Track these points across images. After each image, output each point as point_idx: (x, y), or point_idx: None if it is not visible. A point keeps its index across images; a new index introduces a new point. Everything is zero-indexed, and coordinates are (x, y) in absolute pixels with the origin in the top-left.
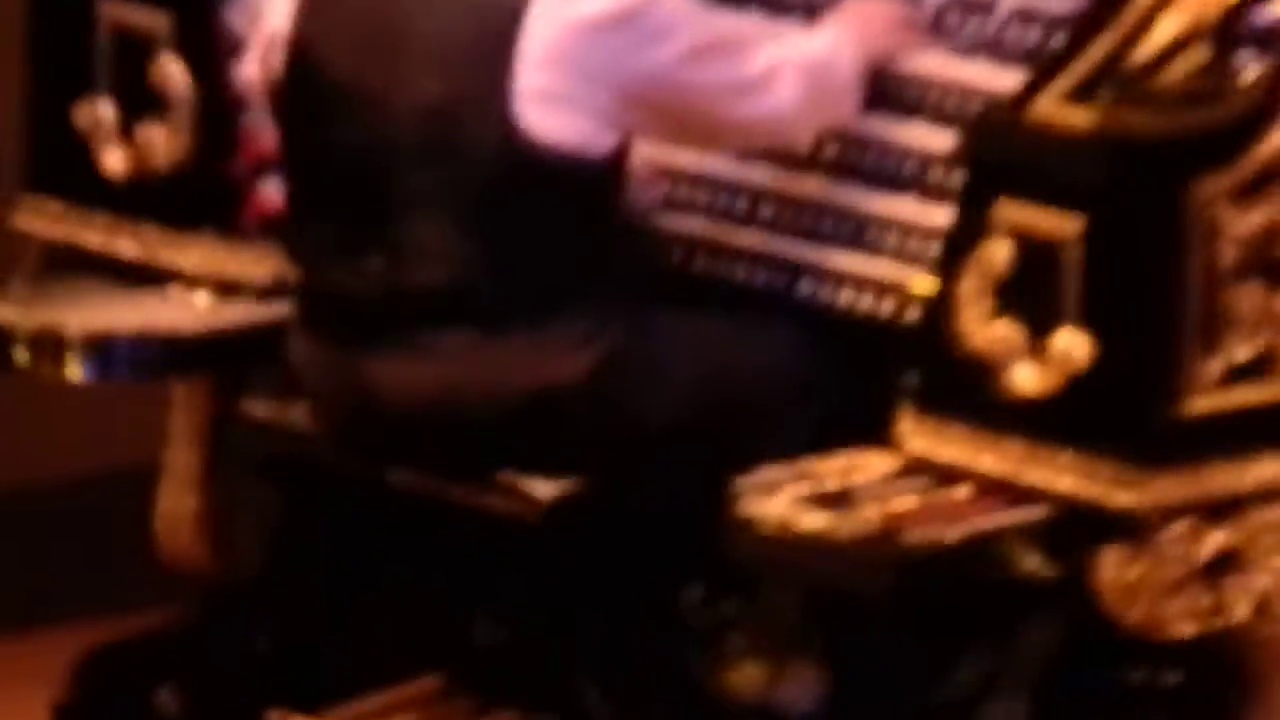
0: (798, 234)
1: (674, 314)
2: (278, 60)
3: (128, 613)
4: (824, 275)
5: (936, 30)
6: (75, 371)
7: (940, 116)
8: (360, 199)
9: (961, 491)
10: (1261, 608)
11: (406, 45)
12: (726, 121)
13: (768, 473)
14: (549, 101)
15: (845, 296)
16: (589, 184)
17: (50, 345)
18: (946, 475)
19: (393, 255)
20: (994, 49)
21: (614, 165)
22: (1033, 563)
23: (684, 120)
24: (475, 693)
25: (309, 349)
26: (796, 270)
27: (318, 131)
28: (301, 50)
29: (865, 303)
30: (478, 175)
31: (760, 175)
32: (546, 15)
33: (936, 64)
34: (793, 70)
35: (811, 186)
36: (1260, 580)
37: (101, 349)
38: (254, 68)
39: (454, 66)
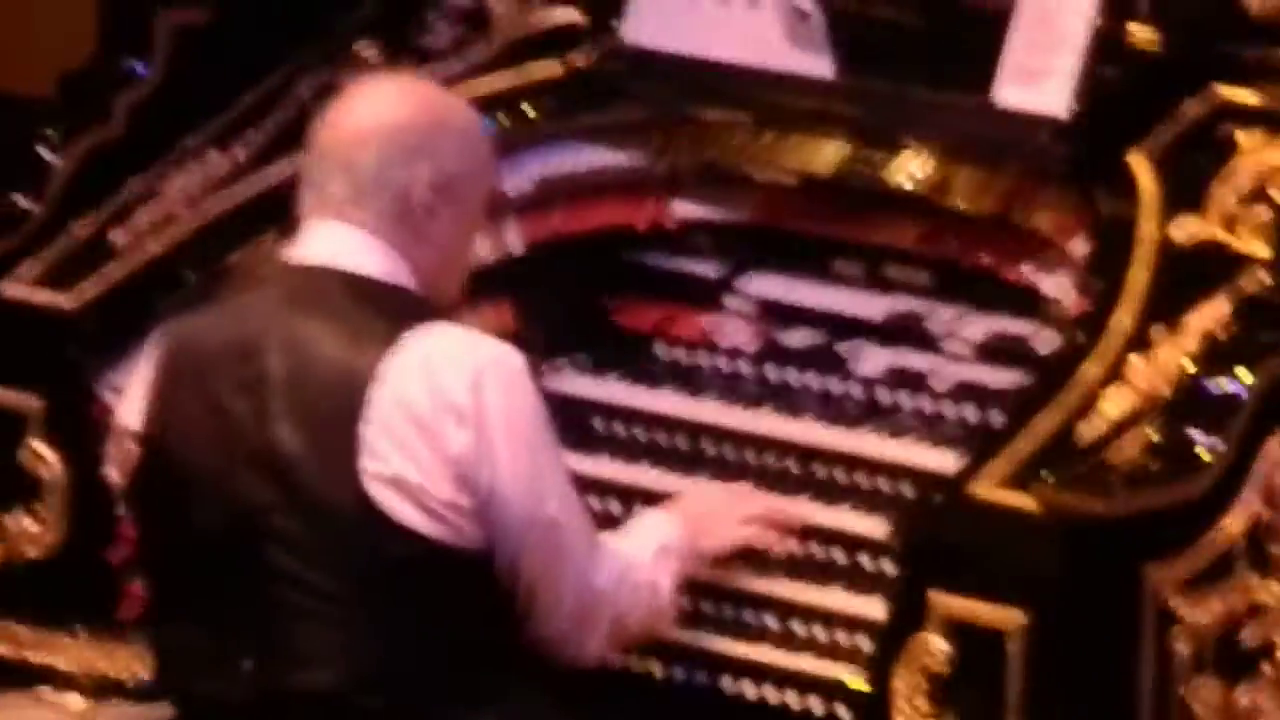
0: (718, 627)
1: (583, 710)
2: (129, 456)
3: None
4: (747, 670)
5: (868, 407)
6: None
7: (871, 500)
8: (229, 595)
9: None
10: None
11: (264, 450)
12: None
13: None
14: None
15: (770, 694)
16: (474, 577)
17: None
18: None
19: (267, 657)
20: (929, 427)
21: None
22: None
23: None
24: None
25: None
26: (718, 665)
27: (179, 524)
28: (156, 444)
29: (791, 700)
30: (354, 565)
31: None
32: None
33: (867, 443)
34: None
35: (731, 574)
36: None
37: None
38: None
39: (318, 466)
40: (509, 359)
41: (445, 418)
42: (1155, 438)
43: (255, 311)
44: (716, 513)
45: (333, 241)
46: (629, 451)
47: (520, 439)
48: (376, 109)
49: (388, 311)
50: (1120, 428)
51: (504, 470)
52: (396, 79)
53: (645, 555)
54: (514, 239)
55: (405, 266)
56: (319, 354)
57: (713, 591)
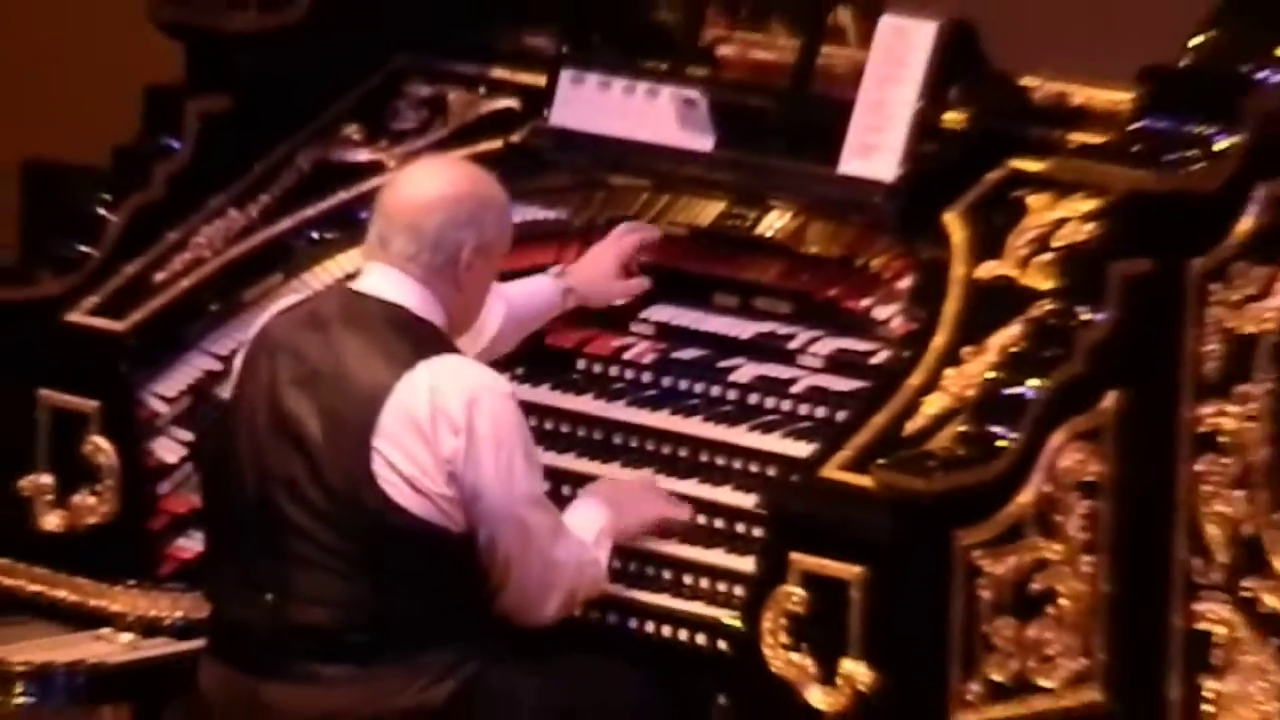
0: (627, 578)
1: (527, 652)
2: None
3: None
4: (650, 613)
5: (742, 408)
6: (19, 698)
7: (745, 480)
8: (259, 544)
9: None
10: None
11: (298, 434)
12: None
13: None
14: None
15: (667, 631)
16: (453, 551)
17: None
18: None
19: (284, 594)
20: (790, 424)
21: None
22: None
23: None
24: None
25: (215, 673)
26: (627, 610)
27: (229, 483)
28: (229, 411)
29: (684, 636)
30: (359, 531)
31: None
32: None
33: (742, 436)
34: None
35: (639, 539)
36: None
37: (42, 679)
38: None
39: (336, 452)
40: (499, 385)
41: (442, 426)
42: (964, 431)
43: (318, 321)
44: (630, 498)
45: (388, 281)
46: (556, 443)
47: (502, 447)
48: (439, 183)
49: (413, 340)
50: (937, 424)
51: (486, 471)
52: (451, 160)
53: (589, 537)
54: None
55: (439, 309)
56: (352, 365)
57: (624, 551)
